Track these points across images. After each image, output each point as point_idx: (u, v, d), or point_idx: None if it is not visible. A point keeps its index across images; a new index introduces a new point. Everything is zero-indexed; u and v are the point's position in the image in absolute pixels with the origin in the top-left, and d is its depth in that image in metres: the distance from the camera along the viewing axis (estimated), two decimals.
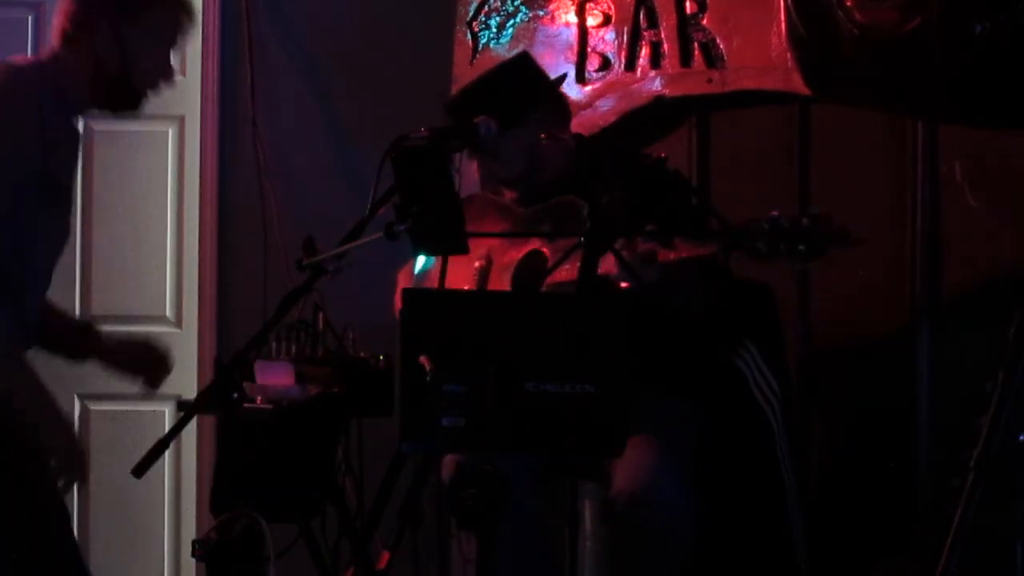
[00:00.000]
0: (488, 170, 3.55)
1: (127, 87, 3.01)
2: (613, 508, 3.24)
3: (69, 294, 4.70)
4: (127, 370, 3.11)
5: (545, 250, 3.39)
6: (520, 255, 3.43)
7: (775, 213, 2.74)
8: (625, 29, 4.14)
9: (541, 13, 4.33)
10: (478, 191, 3.77)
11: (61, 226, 3.04)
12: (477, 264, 3.49)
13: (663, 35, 4.07)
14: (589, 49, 4.22)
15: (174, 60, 3.05)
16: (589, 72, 4.21)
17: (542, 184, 3.47)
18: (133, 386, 3.08)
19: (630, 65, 4.14)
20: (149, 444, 2.77)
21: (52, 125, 2.93)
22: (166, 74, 3.04)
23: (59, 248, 3.05)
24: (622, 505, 3.20)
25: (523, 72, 3.57)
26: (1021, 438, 2.67)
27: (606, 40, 4.19)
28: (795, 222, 2.83)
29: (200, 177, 4.80)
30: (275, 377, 3.71)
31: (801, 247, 2.84)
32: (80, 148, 3.08)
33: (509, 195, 3.56)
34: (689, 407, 3.38)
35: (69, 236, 3.08)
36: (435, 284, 3.30)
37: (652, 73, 4.06)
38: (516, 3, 4.38)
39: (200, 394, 4.42)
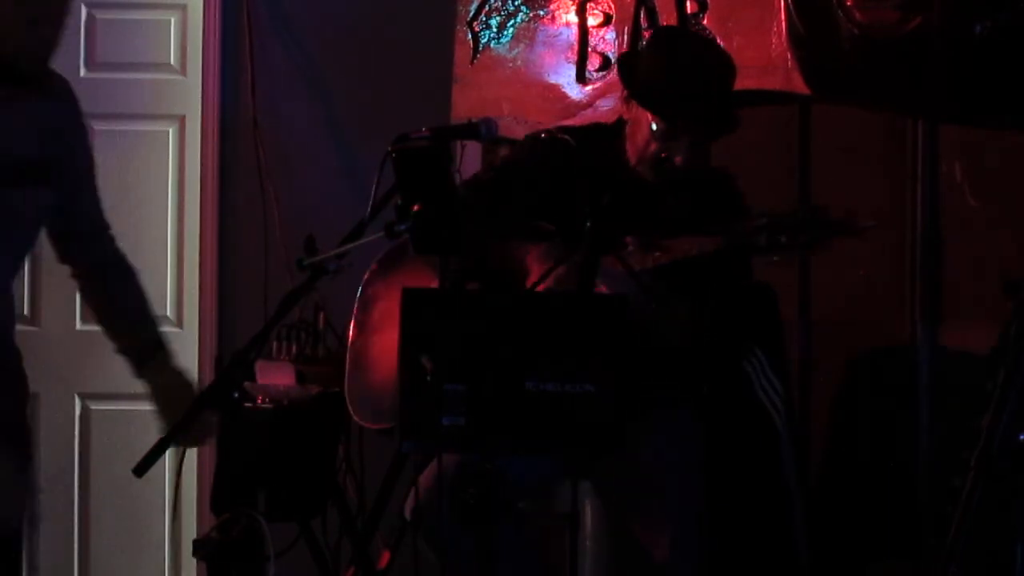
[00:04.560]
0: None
1: None
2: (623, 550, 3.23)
3: (70, 294, 4.69)
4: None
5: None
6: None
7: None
8: (626, 29, 4.14)
9: (542, 13, 4.33)
10: None
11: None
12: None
13: None
14: (589, 49, 4.21)
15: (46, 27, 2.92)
16: (589, 72, 4.20)
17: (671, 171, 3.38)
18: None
19: None
20: (149, 444, 2.77)
21: None
22: (25, 40, 2.90)
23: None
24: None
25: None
26: (1021, 438, 2.67)
27: (606, 40, 4.19)
28: (793, 214, 2.82)
29: (200, 177, 4.80)
30: (276, 377, 3.72)
31: (803, 238, 2.83)
32: (27, 121, 2.98)
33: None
34: (695, 414, 3.35)
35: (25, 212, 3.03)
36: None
37: None
38: (517, 3, 4.37)
39: (200, 394, 4.42)
